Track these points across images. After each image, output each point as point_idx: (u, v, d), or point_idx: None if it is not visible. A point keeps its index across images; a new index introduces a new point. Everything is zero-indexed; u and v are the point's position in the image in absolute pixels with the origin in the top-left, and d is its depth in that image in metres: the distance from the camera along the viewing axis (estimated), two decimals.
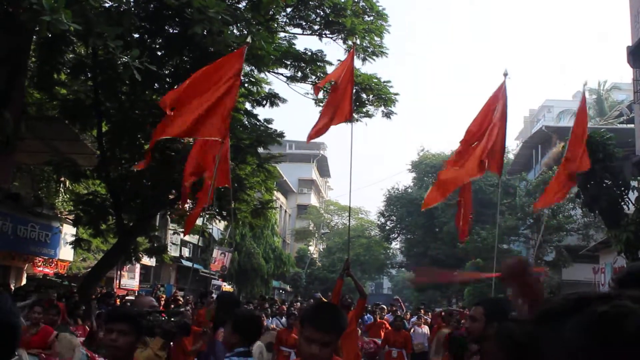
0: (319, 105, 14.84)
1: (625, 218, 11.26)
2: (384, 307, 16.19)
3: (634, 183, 12.08)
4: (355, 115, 14.85)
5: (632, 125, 21.74)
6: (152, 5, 10.97)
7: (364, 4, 13.48)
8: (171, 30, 12.10)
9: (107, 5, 8.82)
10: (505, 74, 8.02)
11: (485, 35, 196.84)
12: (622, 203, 11.38)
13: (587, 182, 11.54)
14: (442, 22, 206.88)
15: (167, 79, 13.08)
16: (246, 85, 14.55)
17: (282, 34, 14.02)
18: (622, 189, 11.37)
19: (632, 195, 11.41)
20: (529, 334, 0.85)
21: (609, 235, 12.70)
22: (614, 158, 11.32)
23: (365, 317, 14.02)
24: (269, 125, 14.76)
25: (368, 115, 14.70)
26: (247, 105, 14.90)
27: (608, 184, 11.36)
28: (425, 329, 13.67)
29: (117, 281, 21.91)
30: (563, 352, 0.79)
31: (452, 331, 9.50)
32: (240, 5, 12.28)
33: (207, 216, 17.18)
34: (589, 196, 11.56)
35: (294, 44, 13.97)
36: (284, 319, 12.98)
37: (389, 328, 12.57)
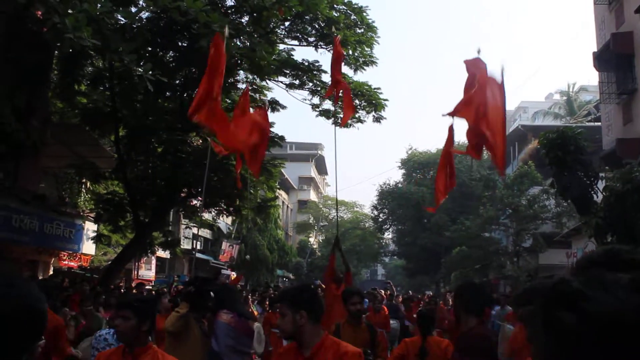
0: (316, 110, 14.84)
1: (594, 205, 11.31)
2: (382, 291, 16.03)
3: (602, 174, 12.13)
4: (349, 121, 14.82)
5: (599, 124, 21.87)
6: (162, 22, 10.98)
7: (355, 17, 13.46)
8: (180, 44, 12.11)
9: (122, 22, 8.82)
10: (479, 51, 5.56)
11: (465, 40, 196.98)
12: (592, 192, 11.41)
13: (560, 173, 11.59)
14: (420, 28, 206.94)
15: (178, 88, 13.11)
16: (249, 92, 14.53)
17: (281, 46, 14.01)
18: (592, 179, 11.41)
19: (601, 185, 11.46)
20: None
21: (580, 222, 12.75)
22: (584, 151, 11.36)
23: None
24: (271, 129, 14.69)
25: (360, 120, 14.65)
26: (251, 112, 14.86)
27: (579, 175, 11.39)
28: None
29: (135, 272, 21.94)
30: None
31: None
32: (243, 20, 12.30)
33: (216, 212, 17.23)
34: (561, 186, 11.60)
35: (292, 55, 13.97)
36: None
37: (387, 312, 11.66)
